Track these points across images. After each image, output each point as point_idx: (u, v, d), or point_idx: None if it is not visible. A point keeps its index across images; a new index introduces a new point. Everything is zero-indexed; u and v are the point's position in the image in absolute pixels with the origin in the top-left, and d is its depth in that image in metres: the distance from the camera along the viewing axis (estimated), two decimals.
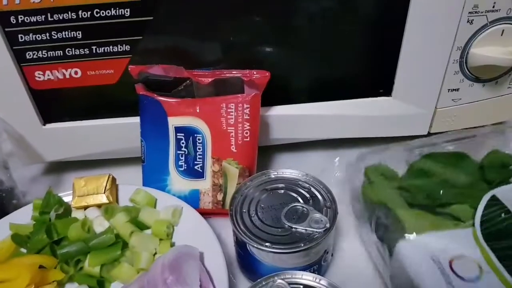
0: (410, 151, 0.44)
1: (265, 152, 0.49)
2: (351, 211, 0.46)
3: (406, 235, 0.37)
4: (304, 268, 0.38)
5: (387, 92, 0.50)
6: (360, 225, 0.44)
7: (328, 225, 0.38)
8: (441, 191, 0.39)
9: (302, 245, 0.36)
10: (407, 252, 0.36)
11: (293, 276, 0.34)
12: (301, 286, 0.33)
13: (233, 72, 0.46)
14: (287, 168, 0.44)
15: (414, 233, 0.37)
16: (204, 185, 0.47)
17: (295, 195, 0.41)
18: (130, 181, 0.49)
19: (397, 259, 0.37)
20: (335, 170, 0.45)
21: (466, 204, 0.38)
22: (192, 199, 0.47)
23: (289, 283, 0.33)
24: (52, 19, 0.42)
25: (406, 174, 0.43)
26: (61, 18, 0.42)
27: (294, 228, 0.38)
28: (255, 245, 0.37)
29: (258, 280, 0.34)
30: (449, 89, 0.49)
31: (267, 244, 0.37)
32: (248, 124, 0.46)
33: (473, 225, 0.37)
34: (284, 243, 0.37)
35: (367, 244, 0.43)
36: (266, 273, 0.39)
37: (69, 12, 0.41)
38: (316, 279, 0.34)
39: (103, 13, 0.42)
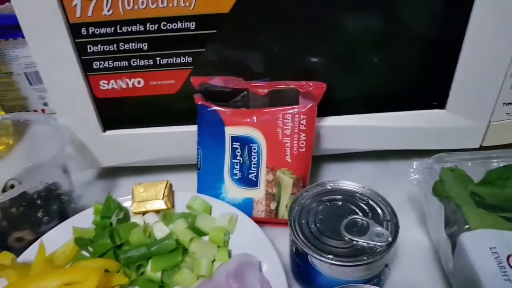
0: (488, 160, 0.45)
1: (313, 161, 0.50)
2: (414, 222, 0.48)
3: (468, 226, 0.39)
4: (364, 282, 0.38)
5: (441, 105, 0.50)
6: (429, 222, 0.46)
7: (390, 239, 0.38)
8: None
9: (365, 258, 0.37)
10: (468, 242, 0.38)
11: None
12: None
13: (289, 84, 0.46)
14: (342, 179, 0.45)
15: (476, 227, 0.38)
16: (257, 194, 0.48)
17: (353, 207, 0.42)
18: (180, 187, 0.50)
19: (458, 249, 0.38)
20: (412, 172, 0.46)
21: None
22: (246, 207, 0.48)
23: None
24: (121, 31, 0.43)
25: (481, 180, 0.43)
26: (129, 30, 0.43)
27: (355, 241, 0.38)
28: (318, 257, 0.37)
29: None
30: (504, 103, 0.49)
31: (329, 256, 0.37)
32: (304, 134, 0.46)
33: None
34: (347, 256, 0.37)
35: (434, 240, 0.45)
36: (325, 285, 0.39)
37: (138, 25, 0.43)
38: None
39: (169, 26, 0.43)
